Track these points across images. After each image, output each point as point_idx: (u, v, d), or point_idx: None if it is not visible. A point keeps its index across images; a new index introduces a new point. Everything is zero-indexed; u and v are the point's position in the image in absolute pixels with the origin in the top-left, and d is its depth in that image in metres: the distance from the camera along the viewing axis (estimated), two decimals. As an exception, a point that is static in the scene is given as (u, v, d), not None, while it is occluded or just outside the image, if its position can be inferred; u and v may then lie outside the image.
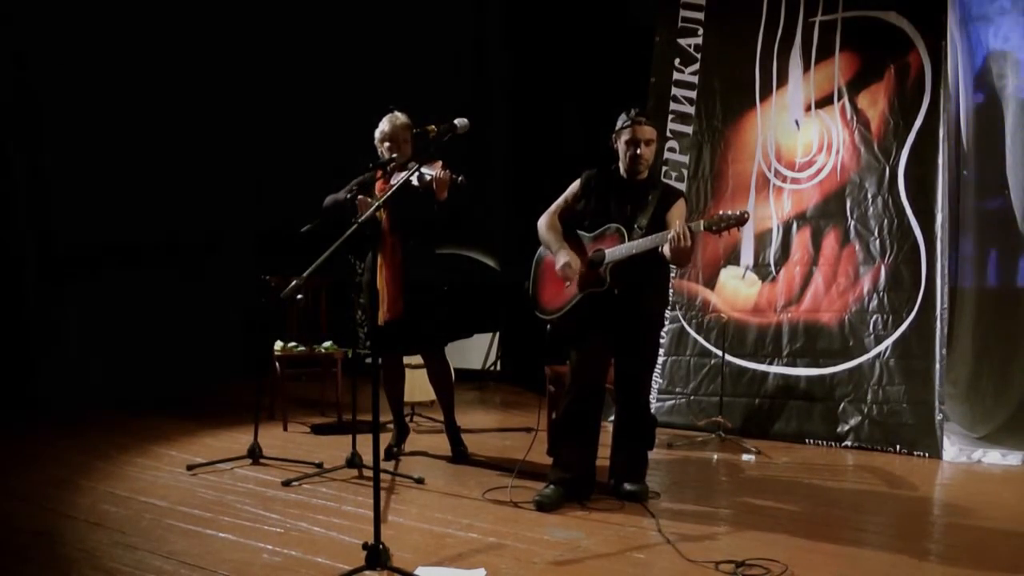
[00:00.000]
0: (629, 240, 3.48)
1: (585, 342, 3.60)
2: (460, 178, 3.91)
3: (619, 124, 3.62)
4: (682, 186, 5.57)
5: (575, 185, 3.78)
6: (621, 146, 3.61)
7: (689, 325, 5.43)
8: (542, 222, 3.78)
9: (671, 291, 5.48)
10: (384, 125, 4.22)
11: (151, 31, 7.07)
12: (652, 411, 3.90)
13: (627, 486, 3.60)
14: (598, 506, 3.49)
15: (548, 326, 3.71)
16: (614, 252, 3.49)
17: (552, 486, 3.50)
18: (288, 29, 7.48)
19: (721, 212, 3.32)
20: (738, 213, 3.26)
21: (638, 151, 3.55)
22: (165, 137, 7.41)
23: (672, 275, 5.48)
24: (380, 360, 4.24)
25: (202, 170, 7.52)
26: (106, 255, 7.20)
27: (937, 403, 4.51)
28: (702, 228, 3.30)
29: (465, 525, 3.24)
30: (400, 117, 4.21)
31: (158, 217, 7.42)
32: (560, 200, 3.80)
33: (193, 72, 7.36)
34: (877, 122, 4.96)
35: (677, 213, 3.58)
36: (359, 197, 4.10)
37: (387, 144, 4.19)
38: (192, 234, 7.51)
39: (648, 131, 3.58)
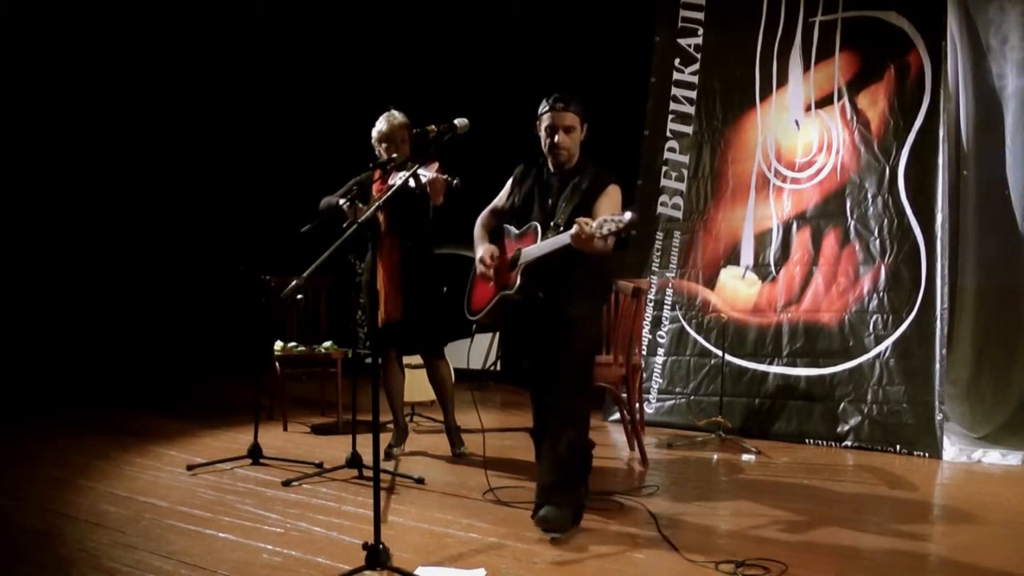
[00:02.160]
0: (542, 239, 3.25)
1: (526, 349, 3.42)
2: (455, 181, 3.89)
3: (539, 110, 3.37)
4: (682, 186, 5.58)
5: (509, 180, 3.59)
6: (541, 134, 3.37)
7: (689, 325, 5.43)
8: (477, 221, 3.63)
9: (679, 292, 5.48)
10: (381, 125, 4.20)
11: (149, 30, 7.07)
12: (587, 433, 3.30)
13: (542, 511, 3.09)
14: (598, 506, 3.48)
15: (474, 326, 3.53)
16: (527, 253, 3.28)
17: None
18: (286, 29, 7.48)
19: (604, 219, 2.89)
20: (626, 218, 2.86)
21: (555, 139, 3.31)
22: (167, 138, 7.42)
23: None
24: (380, 360, 4.27)
25: (202, 170, 7.53)
26: (104, 255, 7.21)
27: (937, 403, 4.51)
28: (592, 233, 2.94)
29: (465, 525, 3.23)
30: (398, 117, 4.19)
31: (157, 216, 7.44)
32: (496, 198, 3.63)
33: (192, 69, 7.37)
34: (877, 122, 4.96)
35: (607, 204, 3.23)
36: (343, 201, 4.08)
37: (384, 144, 4.18)
38: (192, 233, 7.52)
39: (568, 117, 3.31)
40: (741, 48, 5.46)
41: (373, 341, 3.19)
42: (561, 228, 3.18)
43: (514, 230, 3.45)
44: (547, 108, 3.33)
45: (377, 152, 4.23)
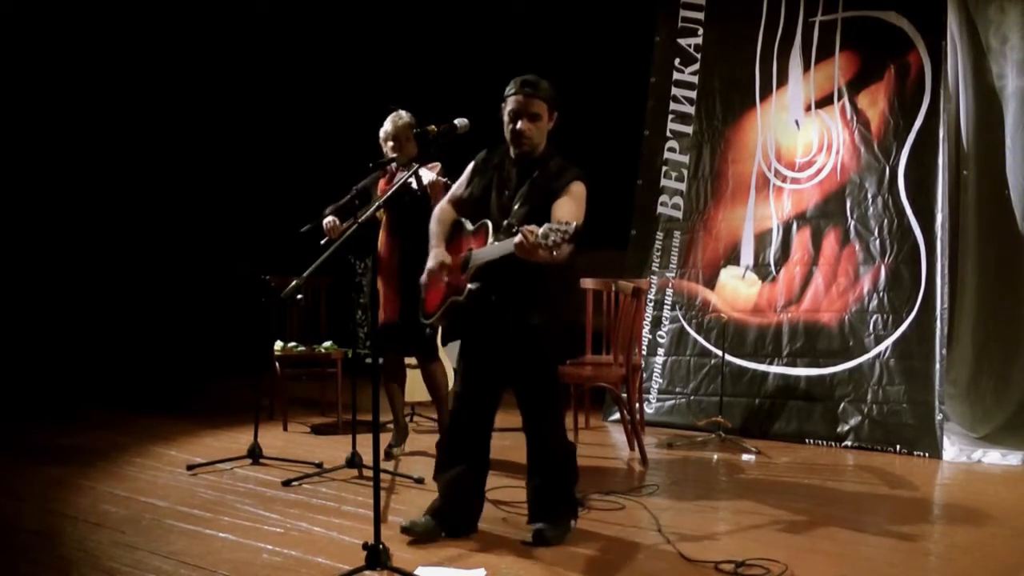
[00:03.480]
0: (493, 238, 2.97)
1: (466, 354, 3.18)
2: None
3: (505, 91, 3.07)
4: (682, 186, 5.58)
5: (469, 167, 3.28)
6: (505, 117, 3.06)
7: (689, 325, 5.43)
8: (434, 212, 3.30)
9: (679, 292, 5.48)
10: (387, 125, 4.25)
11: (149, 29, 7.07)
12: (567, 438, 3.24)
13: (538, 527, 3.04)
14: (598, 506, 3.49)
15: (427, 328, 3.29)
16: (477, 255, 3.00)
17: (427, 516, 3.12)
18: (286, 27, 7.48)
19: (549, 227, 2.59)
20: (571, 228, 2.57)
21: (518, 126, 3.00)
22: (168, 139, 7.42)
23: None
24: (381, 360, 4.30)
25: (202, 170, 7.53)
26: (105, 255, 7.21)
27: (937, 403, 4.51)
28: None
29: (465, 525, 3.23)
30: (403, 116, 4.24)
31: (158, 217, 7.43)
32: (455, 185, 3.31)
33: (192, 68, 7.37)
34: (877, 122, 4.96)
35: (568, 204, 2.90)
36: (327, 219, 4.18)
37: (390, 143, 4.23)
38: (193, 234, 7.52)
39: (536, 104, 3.00)
40: (741, 48, 5.45)
41: (373, 341, 3.19)
42: (514, 229, 2.83)
43: (468, 226, 3.17)
44: (513, 91, 3.03)
45: (384, 151, 4.27)
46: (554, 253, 2.61)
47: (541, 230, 2.59)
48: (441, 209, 3.28)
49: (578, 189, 2.99)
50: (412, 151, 4.16)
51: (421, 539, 3.02)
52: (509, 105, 3.04)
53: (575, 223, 2.60)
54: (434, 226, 3.23)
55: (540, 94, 3.03)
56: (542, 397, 3.10)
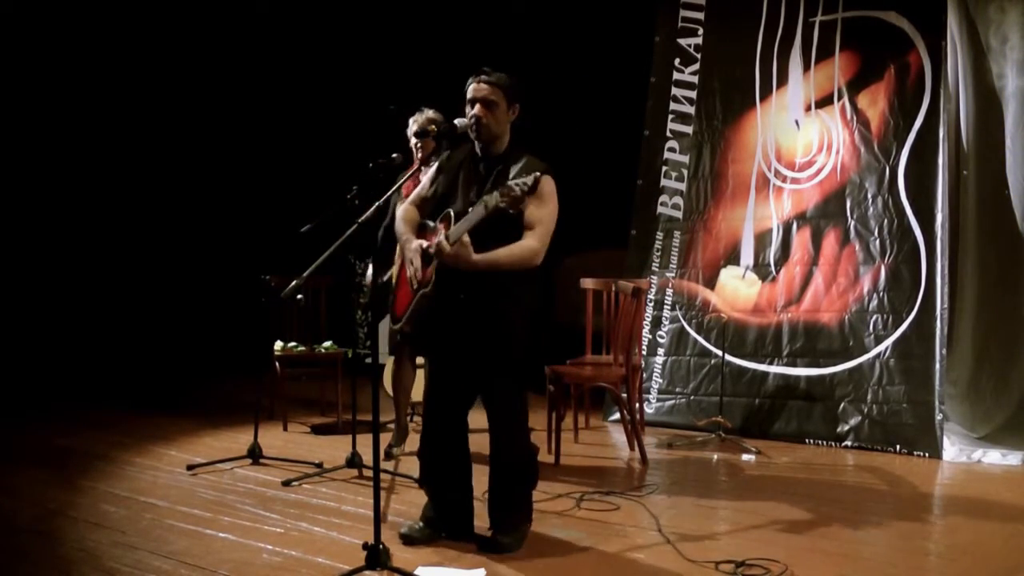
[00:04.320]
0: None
1: (435, 355, 3.20)
2: None
3: (466, 85, 3.09)
4: (682, 186, 5.58)
5: (434, 166, 3.28)
6: (467, 109, 3.06)
7: (689, 325, 5.43)
8: (398, 213, 3.26)
9: (679, 292, 5.48)
10: (412, 123, 4.37)
11: (150, 29, 7.07)
12: (531, 441, 3.20)
13: (497, 537, 3.00)
14: (598, 506, 3.49)
15: (398, 335, 3.23)
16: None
17: (421, 523, 3.12)
18: (286, 28, 7.47)
19: (511, 183, 2.76)
20: (531, 180, 2.76)
21: (474, 111, 3.00)
22: (168, 138, 7.42)
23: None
24: (392, 358, 4.46)
25: (202, 170, 7.53)
26: (105, 255, 7.21)
27: (937, 403, 4.51)
28: (498, 204, 2.78)
29: (465, 525, 3.23)
30: (427, 114, 4.34)
31: (158, 216, 7.44)
32: (419, 187, 3.30)
33: (193, 68, 7.37)
34: (877, 122, 4.96)
35: (536, 200, 2.90)
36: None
37: (414, 139, 4.34)
38: (192, 233, 7.52)
39: (487, 90, 2.99)
40: (741, 48, 5.45)
41: (373, 342, 3.19)
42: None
43: (431, 224, 3.14)
44: (470, 81, 3.06)
45: (411, 149, 4.37)
46: (520, 206, 2.77)
47: (502, 191, 2.74)
48: (405, 210, 3.23)
49: (546, 184, 2.97)
50: (432, 146, 4.24)
51: (420, 544, 3.03)
52: (467, 95, 3.05)
53: (536, 175, 2.76)
54: (400, 226, 3.18)
55: (494, 81, 3.02)
56: (509, 395, 3.05)
